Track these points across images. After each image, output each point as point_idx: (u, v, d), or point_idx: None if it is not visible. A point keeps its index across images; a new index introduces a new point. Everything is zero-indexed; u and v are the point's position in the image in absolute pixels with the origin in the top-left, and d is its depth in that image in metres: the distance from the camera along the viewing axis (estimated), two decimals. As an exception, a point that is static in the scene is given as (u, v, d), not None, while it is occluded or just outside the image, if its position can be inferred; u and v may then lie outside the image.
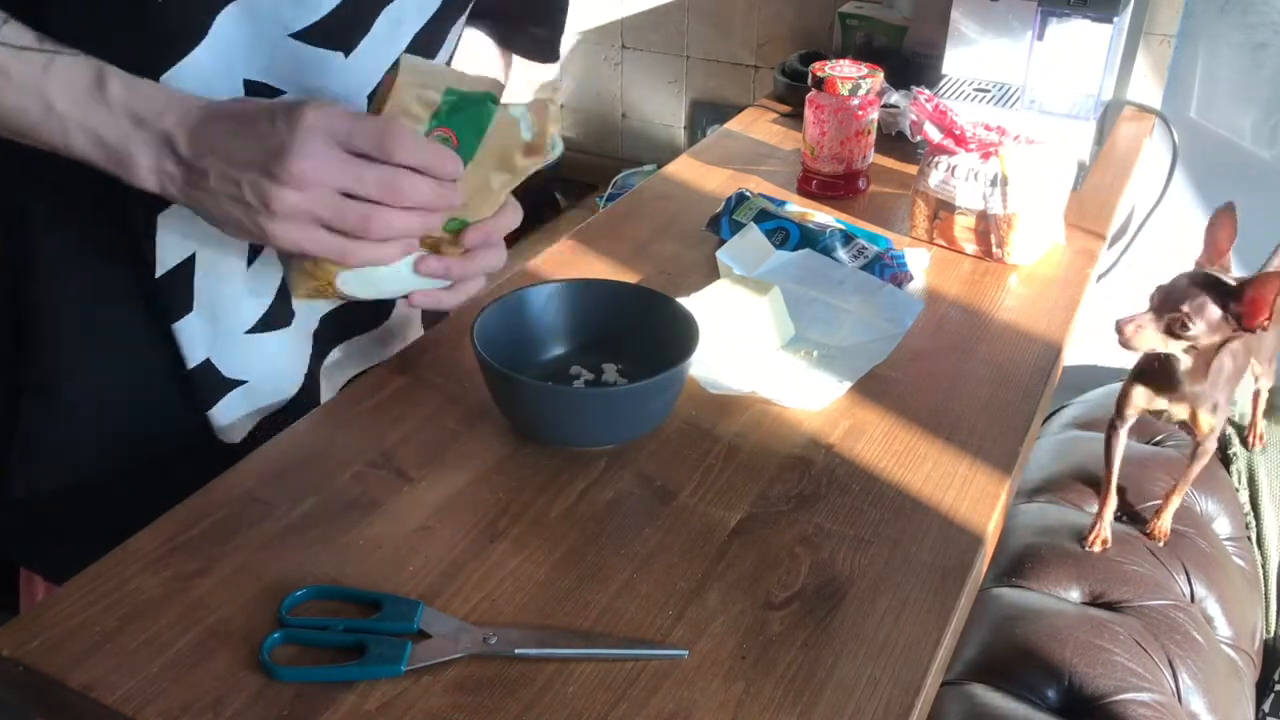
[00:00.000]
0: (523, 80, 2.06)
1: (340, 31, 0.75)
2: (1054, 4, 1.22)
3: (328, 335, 0.90)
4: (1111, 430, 1.11)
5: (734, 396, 0.86)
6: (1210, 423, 1.02)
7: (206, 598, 0.65)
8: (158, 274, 0.77)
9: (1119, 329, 0.92)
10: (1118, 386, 1.07)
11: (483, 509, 0.74)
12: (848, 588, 0.68)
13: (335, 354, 0.92)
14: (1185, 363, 0.96)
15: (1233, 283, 0.91)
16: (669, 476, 0.78)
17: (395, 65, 0.71)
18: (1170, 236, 1.58)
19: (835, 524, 0.74)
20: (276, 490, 0.74)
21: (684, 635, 0.64)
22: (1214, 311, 0.90)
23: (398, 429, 0.81)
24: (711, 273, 1.03)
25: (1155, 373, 1.01)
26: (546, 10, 0.99)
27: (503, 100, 0.73)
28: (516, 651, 0.62)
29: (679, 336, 0.80)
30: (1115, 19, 1.21)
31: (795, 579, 0.69)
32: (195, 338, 0.81)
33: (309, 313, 0.88)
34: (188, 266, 0.78)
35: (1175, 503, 1.16)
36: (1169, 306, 0.91)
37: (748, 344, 0.90)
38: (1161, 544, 1.17)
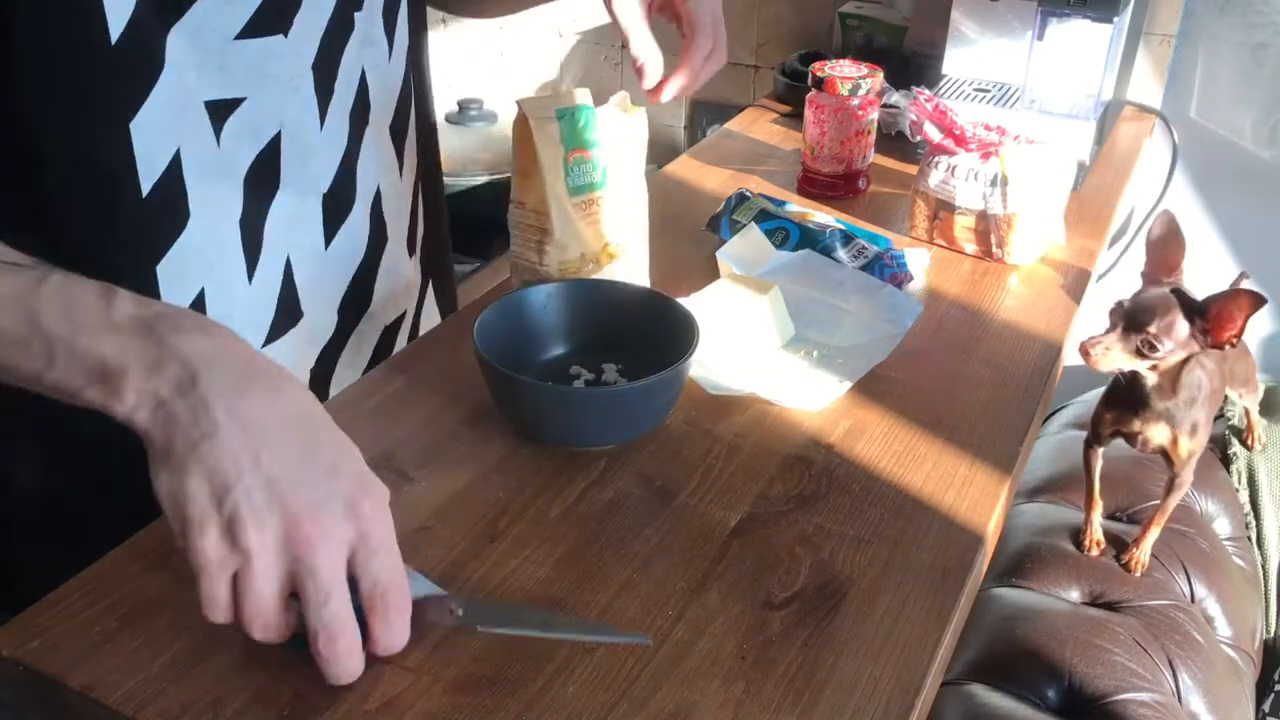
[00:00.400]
0: (522, 83, 2.06)
1: (276, 15, 0.74)
2: (1054, 4, 1.22)
3: (346, 320, 0.91)
4: (1089, 449, 1.11)
5: (734, 396, 0.86)
6: (1189, 447, 1.01)
7: (206, 598, 0.65)
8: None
9: (1084, 352, 0.91)
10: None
11: (483, 509, 0.74)
12: (848, 588, 0.68)
13: (351, 340, 0.92)
14: (1151, 380, 0.95)
15: (1198, 299, 0.90)
16: (669, 476, 0.78)
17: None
18: (1170, 236, 1.58)
19: (835, 524, 0.74)
20: (276, 490, 0.74)
21: (684, 635, 0.64)
22: (1182, 329, 0.89)
23: (398, 429, 0.81)
24: (711, 273, 1.03)
25: (1124, 394, 1.01)
26: None
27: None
28: (479, 628, 0.61)
29: (679, 336, 0.80)
30: (1115, 19, 1.21)
31: (795, 579, 0.69)
32: None
33: (322, 306, 0.88)
34: (199, 304, 0.77)
35: (1154, 534, 1.14)
36: (1136, 327, 0.90)
37: (748, 344, 0.90)
38: (1139, 574, 1.16)
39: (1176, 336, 0.89)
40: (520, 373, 0.80)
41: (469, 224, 1.37)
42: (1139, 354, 0.91)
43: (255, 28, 0.73)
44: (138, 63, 0.68)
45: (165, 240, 0.75)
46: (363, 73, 0.84)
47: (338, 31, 0.80)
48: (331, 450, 0.57)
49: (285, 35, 0.75)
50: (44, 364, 0.56)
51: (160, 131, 0.71)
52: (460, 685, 0.60)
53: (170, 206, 0.74)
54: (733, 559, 0.70)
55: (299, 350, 0.87)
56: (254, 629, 0.56)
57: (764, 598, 0.67)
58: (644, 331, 0.84)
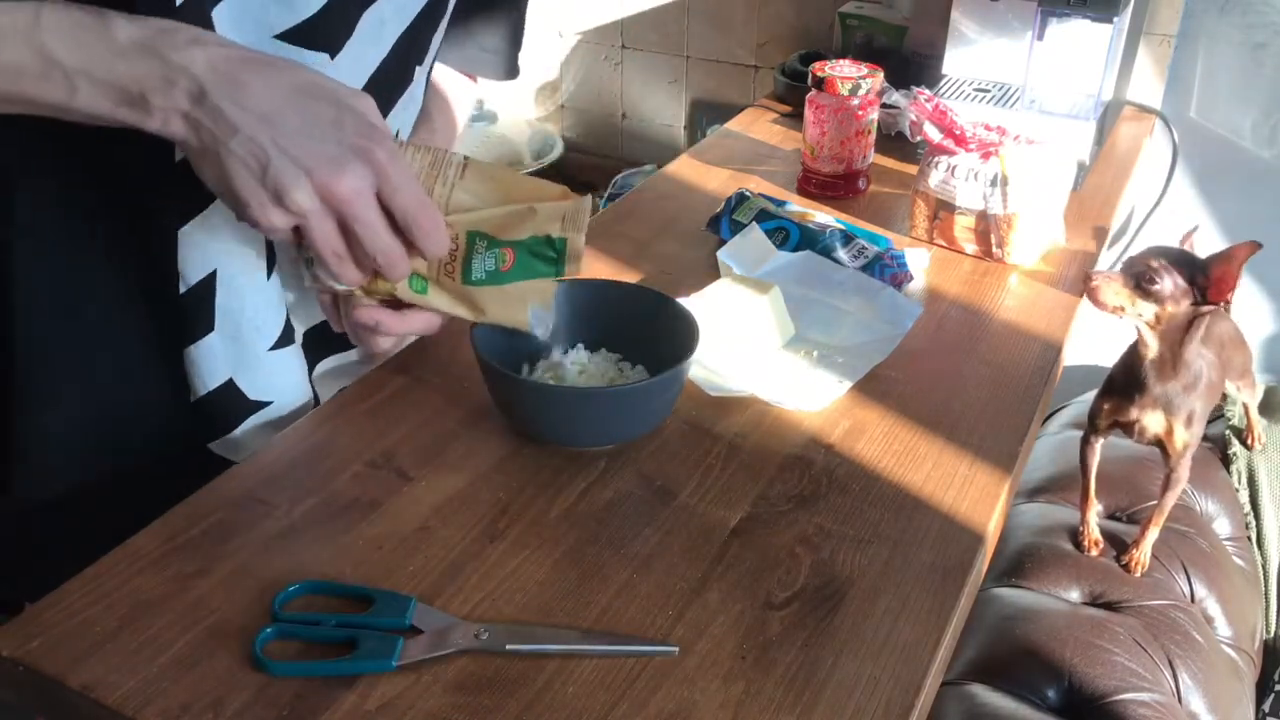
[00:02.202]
0: (523, 84, 2.06)
1: (325, 33, 0.74)
2: (1054, 4, 1.22)
3: (312, 347, 0.89)
4: (1085, 444, 1.11)
5: (734, 397, 0.86)
6: (1185, 439, 1.01)
7: (206, 598, 0.65)
8: (181, 290, 0.76)
9: (1086, 280, 0.93)
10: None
11: (483, 509, 0.74)
12: (848, 588, 0.68)
13: (321, 367, 0.91)
14: (1152, 349, 0.95)
15: (1200, 257, 0.92)
16: (669, 476, 0.77)
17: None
18: (1170, 236, 1.58)
19: (835, 524, 0.74)
20: (276, 490, 0.74)
21: (684, 635, 0.64)
22: (1179, 277, 0.90)
23: (398, 429, 0.81)
24: (711, 273, 1.03)
25: (1125, 381, 1.01)
26: (498, 26, 0.98)
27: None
28: (507, 647, 0.62)
29: (679, 336, 0.80)
30: (1115, 19, 1.21)
31: (795, 579, 0.69)
32: (216, 358, 0.79)
33: (298, 325, 0.87)
34: (209, 283, 0.77)
35: (1153, 533, 1.14)
36: (1137, 262, 0.92)
37: (748, 343, 0.90)
38: (1139, 574, 1.16)
39: (1175, 279, 0.90)
40: (520, 373, 0.80)
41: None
42: (1138, 289, 0.91)
43: (299, 36, 0.73)
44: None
45: (190, 209, 0.74)
46: (397, 133, 0.85)
47: (393, 78, 0.81)
48: (332, 109, 0.64)
49: (331, 57, 0.75)
50: (67, 94, 0.62)
51: None
52: (460, 685, 0.60)
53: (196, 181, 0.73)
54: (733, 559, 0.70)
55: (300, 359, 0.86)
56: (336, 267, 0.68)
57: (764, 598, 0.67)
58: (644, 331, 0.84)
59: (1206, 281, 0.90)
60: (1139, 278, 0.91)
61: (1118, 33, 1.23)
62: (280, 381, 0.84)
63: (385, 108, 0.80)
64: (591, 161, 2.05)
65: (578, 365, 0.83)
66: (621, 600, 0.67)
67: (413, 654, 0.61)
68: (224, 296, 0.77)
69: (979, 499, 0.77)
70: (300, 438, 0.80)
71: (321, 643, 0.63)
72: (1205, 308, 0.91)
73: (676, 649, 0.63)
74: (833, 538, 0.72)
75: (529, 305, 0.77)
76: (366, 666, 0.61)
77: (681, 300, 0.85)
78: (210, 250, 0.75)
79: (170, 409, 0.81)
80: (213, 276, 0.76)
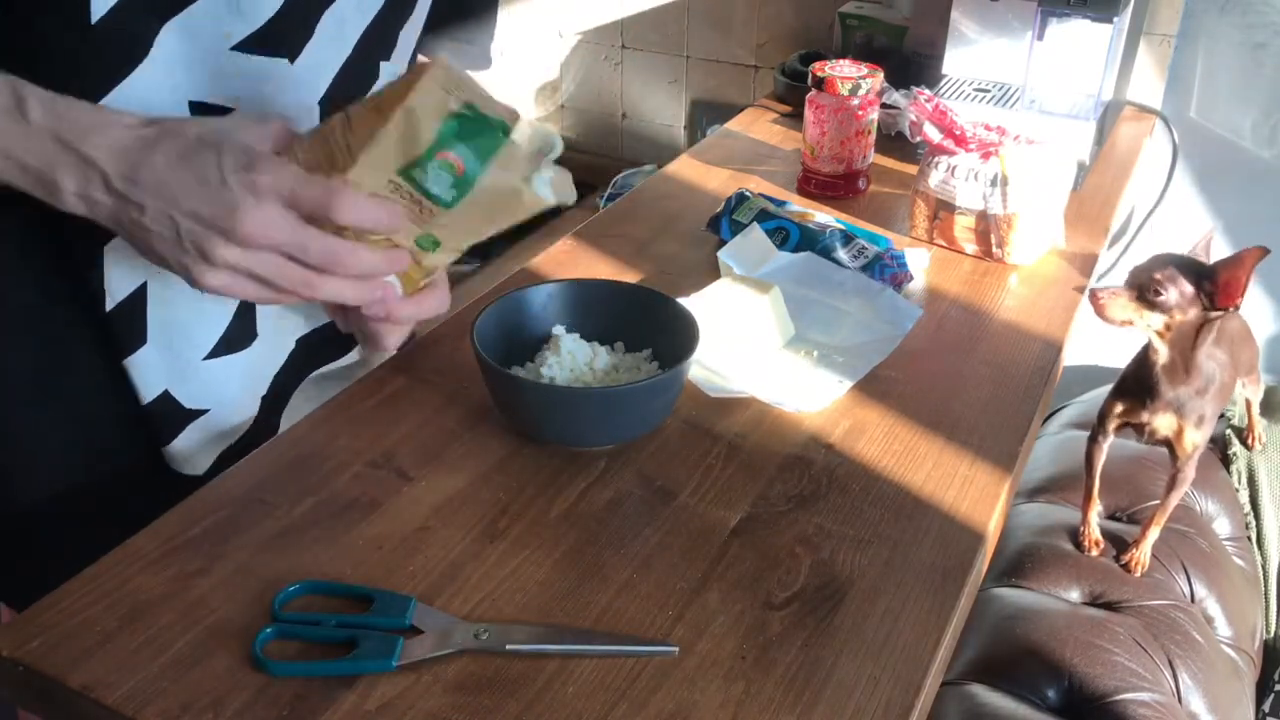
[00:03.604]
0: (522, 84, 2.06)
1: (283, 37, 0.73)
2: (1054, 4, 1.22)
3: (302, 360, 0.88)
4: (1093, 443, 1.11)
5: (734, 397, 0.86)
6: (1194, 440, 1.01)
7: (206, 598, 0.65)
8: (109, 308, 0.76)
9: (1093, 297, 0.92)
10: (1116, 387, 1.07)
11: (483, 509, 0.74)
12: (848, 588, 0.68)
13: (318, 373, 0.91)
14: (1163, 355, 0.95)
15: (1207, 263, 0.91)
16: (669, 476, 0.77)
17: (413, 66, 0.68)
18: (1170, 236, 1.58)
19: (835, 524, 0.74)
20: (276, 490, 0.74)
21: (684, 635, 0.64)
22: (1186, 285, 0.90)
23: (398, 429, 0.81)
24: (711, 273, 1.03)
25: (1137, 384, 1.01)
26: (473, 19, 0.98)
27: (515, 129, 0.69)
28: (508, 647, 0.62)
29: (679, 336, 0.80)
30: (1115, 19, 1.21)
31: (795, 579, 0.69)
32: (151, 369, 0.79)
33: (282, 332, 0.86)
34: (139, 297, 0.76)
35: (1154, 533, 1.14)
36: (1142, 274, 0.92)
37: (748, 343, 0.90)
38: (1139, 574, 1.15)
39: (1182, 288, 0.90)
40: (521, 371, 0.79)
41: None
42: (1144, 301, 0.91)
43: (257, 43, 0.72)
44: (118, 47, 0.68)
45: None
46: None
47: (356, 74, 0.80)
48: (213, 154, 0.64)
49: (290, 61, 0.74)
50: None
51: None
52: (460, 685, 0.60)
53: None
54: (733, 559, 0.70)
55: (254, 368, 0.86)
56: (311, 293, 0.68)
57: (764, 598, 0.67)
58: (644, 332, 0.84)
59: (1214, 288, 0.89)
60: (1144, 290, 0.91)
61: (1118, 33, 1.23)
62: (219, 390, 0.83)
63: (352, 100, 0.78)
64: (591, 161, 2.05)
65: (607, 365, 0.83)
66: (621, 600, 0.67)
67: (413, 654, 0.61)
68: (155, 308, 0.77)
69: (979, 499, 0.77)
70: (300, 438, 0.80)
71: (321, 643, 0.63)
72: (1214, 313, 0.91)
73: (676, 649, 0.63)
74: (833, 538, 0.72)
75: (523, 179, 0.70)
76: (366, 666, 0.61)
77: (681, 300, 0.85)
78: (138, 264, 0.74)
79: (119, 426, 0.82)
80: (143, 289, 0.76)
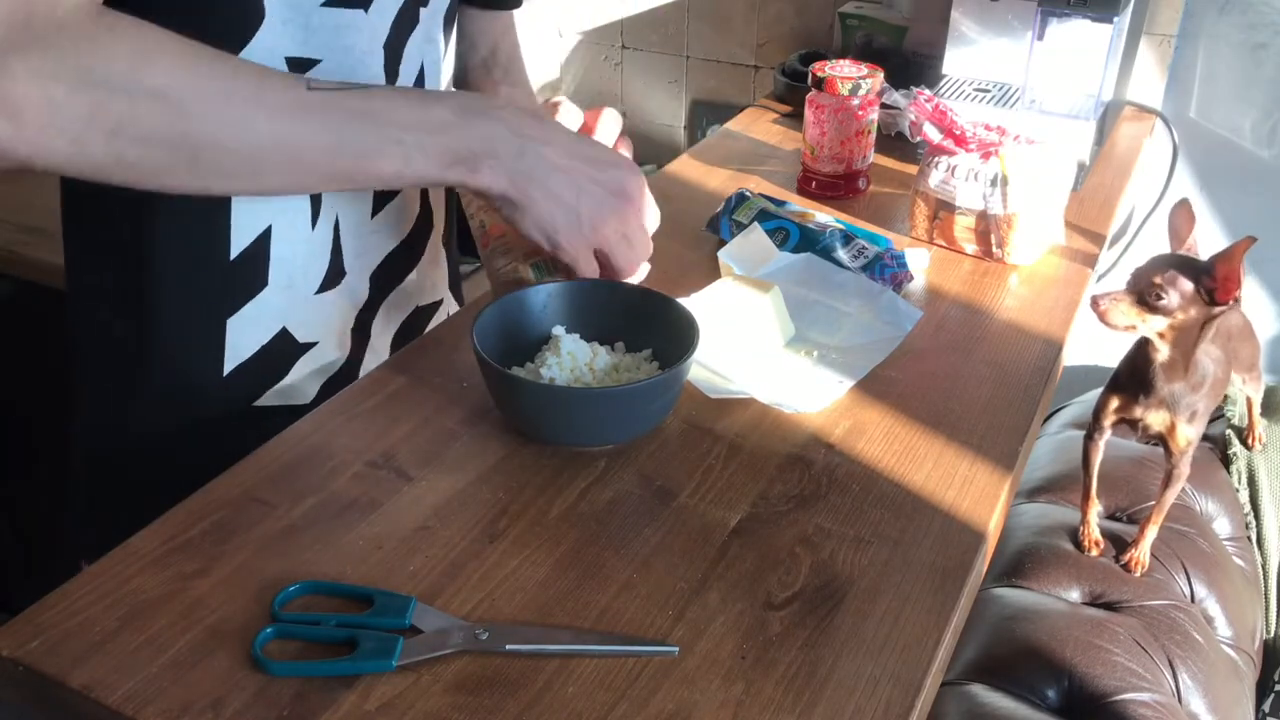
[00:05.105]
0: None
1: None
2: (1054, 4, 1.22)
3: (377, 289, 0.94)
4: (1089, 441, 1.11)
5: (734, 397, 0.86)
6: (1188, 435, 1.01)
7: (206, 598, 0.65)
8: (232, 255, 0.81)
9: (1094, 304, 0.92)
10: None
11: (483, 509, 0.74)
12: (848, 588, 0.68)
13: (381, 309, 0.96)
14: (1163, 353, 0.95)
15: (1203, 260, 0.91)
16: (669, 476, 0.78)
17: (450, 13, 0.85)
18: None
19: (835, 524, 0.74)
20: (276, 490, 0.74)
21: (684, 635, 0.64)
22: (1186, 284, 0.90)
23: (398, 429, 0.81)
24: (711, 273, 1.03)
25: (1131, 380, 1.01)
26: None
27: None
28: (507, 647, 0.62)
29: (679, 336, 0.80)
30: (1115, 19, 1.21)
31: (795, 579, 0.69)
32: (270, 311, 0.86)
33: (360, 270, 0.92)
34: (264, 239, 0.83)
35: (1152, 532, 1.14)
36: (1143, 278, 0.92)
37: (748, 344, 0.90)
38: (1138, 574, 1.15)
39: (1182, 289, 0.90)
40: (521, 370, 0.79)
41: (468, 224, 1.37)
42: (1145, 305, 0.91)
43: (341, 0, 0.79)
44: (240, 11, 0.74)
45: None
46: (421, 67, 0.89)
47: (406, 20, 0.86)
48: (599, 151, 0.79)
49: (365, 11, 0.81)
50: (403, 163, 0.72)
51: None
52: (460, 685, 0.60)
53: None
54: (733, 559, 0.70)
55: (340, 306, 0.91)
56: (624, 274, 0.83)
57: (764, 598, 0.67)
58: (644, 332, 0.84)
59: (1213, 283, 0.90)
60: (1144, 295, 0.91)
61: (1118, 33, 1.23)
62: (325, 324, 0.90)
63: (402, 45, 0.86)
64: (591, 161, 2.05)
65: (607, 365, 0.83)
66: (621, 600, 0.67)
67: (413, 654, 0.61)
68: (278, 248, 0.84)
69: (979, 499, 0.77)
70: (300, 438, 0.80)
71: (321, 643, 0.63)
72: (1217, 309, 0.91)
73: (676, 649, 0.63)
74: (833, 538, 0.72)
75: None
76: (366, 666, 0.61)
77: (681, 300, 0.85)
78: (260, 208, 0.82)
79: (211, 376, 0.87)
80: (268, 231, 0.83)
